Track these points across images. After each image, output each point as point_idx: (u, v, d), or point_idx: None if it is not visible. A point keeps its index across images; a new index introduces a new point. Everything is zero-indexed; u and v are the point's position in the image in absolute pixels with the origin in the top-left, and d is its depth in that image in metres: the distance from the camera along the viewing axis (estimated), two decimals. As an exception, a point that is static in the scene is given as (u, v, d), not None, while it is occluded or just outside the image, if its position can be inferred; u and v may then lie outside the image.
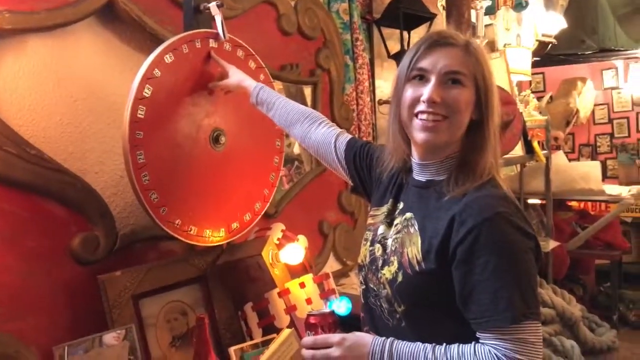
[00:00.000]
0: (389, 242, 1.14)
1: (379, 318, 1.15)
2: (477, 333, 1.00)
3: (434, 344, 1.01)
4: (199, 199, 1.53)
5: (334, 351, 1.04)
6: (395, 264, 1.10)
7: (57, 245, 1.43)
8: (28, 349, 1.32)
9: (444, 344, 1.01)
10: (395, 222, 1.15)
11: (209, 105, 1.56)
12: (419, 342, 1.03)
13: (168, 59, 1.44)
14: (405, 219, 1.13)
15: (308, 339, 1.08)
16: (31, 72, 1.42)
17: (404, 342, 1.04)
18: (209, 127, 1.55)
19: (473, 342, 1.00)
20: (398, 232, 1.13)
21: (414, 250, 1.07)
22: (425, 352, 1.00)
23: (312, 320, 1.10)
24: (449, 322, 1.03)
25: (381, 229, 1.18)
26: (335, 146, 1.37)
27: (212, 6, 1.51)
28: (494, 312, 0.96)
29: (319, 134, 1.41)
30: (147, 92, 1.40)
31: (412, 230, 1.09)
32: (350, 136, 1.40)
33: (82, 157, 1.52)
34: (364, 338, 1.06)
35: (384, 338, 1.05)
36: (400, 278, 1.08)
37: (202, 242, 1.54)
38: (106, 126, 1.58)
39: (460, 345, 1.00)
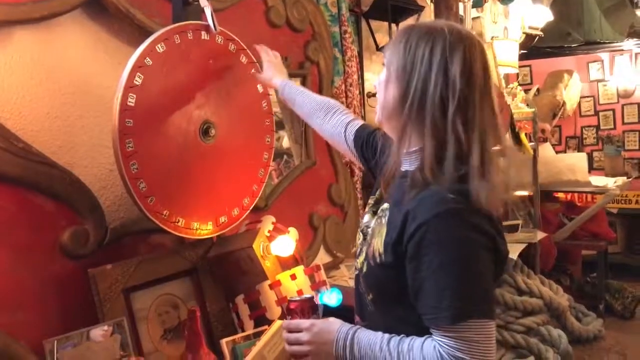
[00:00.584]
0: (369, 231, 1.15)
1: (364, 303, 1.16)
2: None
3: (392, 335, 1.03)
4: (188, 190, 1.52)
5: (303, 335, 1.09)
6: (364, 254, 1.13)
7: (47, 240, 1.43)
8: (18, 343, 1.31)
9: (401, 336, 1.02)
10: (378, 211, 1.15)
11: (200, 97, 1.56)
12: (380, 332, 1.05)
13: (159, 48, 1.43)
14: (382, 209, 1.13)
15: (284, 322, 1.15)
16: (18, 65, 1.41)
17: (367, 331, 1.06)
18: (199, 118, 1.54)
19: (425, 336, 1.00)
20: (375, 222, 1.14)
21: (378, 242, 1.08)
22: (381, 343, 1.02)
23: (291, 305, 1.17)
24: (412, 314, 1.02)
25: (366, 218, 1.20)
26: (345, 135, 1.40)
27: (201, -1, 1.50)
28: (437, 310, 0.96)
29: (331, 124, 1.44)
30: (137, 80, 1.39)
31: (383, 221, 1.09)
32: (360, 123, 1.39)
33: (70, 151, 1.51)
34: (332, 325, 1.09)
35: (350, 326, 1.08)
36: (365, 269, 1.12)
37: (189, 235, 1.53)
38: (95, 119, 1.57)
39: (414, 338, 1.01)
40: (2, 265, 1.34)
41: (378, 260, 1.06)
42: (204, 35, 1.56)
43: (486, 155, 1.02)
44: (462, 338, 0.94)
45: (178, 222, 1.48)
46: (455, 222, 0.97)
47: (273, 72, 1.63)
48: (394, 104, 1.07)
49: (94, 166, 1.57)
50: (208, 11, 1.52)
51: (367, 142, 1.34)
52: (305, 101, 1.52)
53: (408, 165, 1.09)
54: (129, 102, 1.37)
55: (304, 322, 1.11)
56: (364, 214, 1.23)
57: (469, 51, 1.03)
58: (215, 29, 1.54)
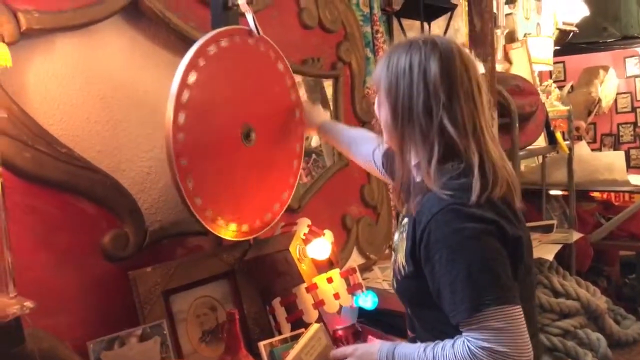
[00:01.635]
0: (396, 247, 1.20)
1: (409, 316, 1.23)
2: None
3: (428, 343, 1.06)
4: (233, 192, 1.54)
5: None
6: (393, 271, 1.19)
7: (89, 243, 1.45)
8: (63, 344, 1.34)
9: (436, 342, 1.05)
10: (400, 227, 1.20)
11: (242, 101, 1.58)
12: (418, 343, 1.09)
13: (201, 62, 1.43)
14: (402, 224, 1.17)
15: (332, 352, 1.26)
16: (59, 71, 1.44)
17: (406, 345, 1.11)
18: (242, 122, 1.56)
19: (457, 336, 1.02)
20: (399, 238, 1.18)
21: (401, 256, 1.12)
22: (418, 352, 1.06)
23: (336, 334, 1.32)
24: (446, 318, 1.03)
25: (396, 236, 1.23)
26: (374, 162, 1.50)
27: (242, 3, 1.50)
28: (454, 306, 0.98)
29: (362, 156, 1.57)
30: (191, 78, 1.40)
31: (404, 235, 1.13)
32: (385, 147, 1.42)
33: (110, 155, 1.53)
34: (373, 346, 1.15)
35: (390, 343, 1.13)
36: (395, 284, 1.18)
37: (230, 236, 1.54)
38: (133, 123, 1.59)
39: (447, 340, 1.03)
40: (47, 268, 1.37)
41: (403, 272, 1.11)
42: (247, 41, 1.57)
43: (484, 151, 1.07)
44: (485, 328, 0.95)
45: (222, 223, 1.49)
46: (452, 216, 1.00)
47: (310, 119, 1.74)
48: (388, 123, 1.13)
49: (132, 170, 1.59)
50: (250, 16, 1.52)
51: (392, 163, 1.36)
52: (340, 139, 1.66)
53: (419, 177, 1.14)
54: (183, 99, 1.39)
55: (348, 348, 1.19)
56: (394, 233, 1.27)
57: (445, 55, 1.08)
58: (259, 33, 1.55)
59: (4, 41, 1.25)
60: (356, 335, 1.28)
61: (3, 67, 1.19)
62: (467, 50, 1.16)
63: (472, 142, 1.07)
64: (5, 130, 1.28)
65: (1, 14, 1.27)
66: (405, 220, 1.15)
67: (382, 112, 1.16)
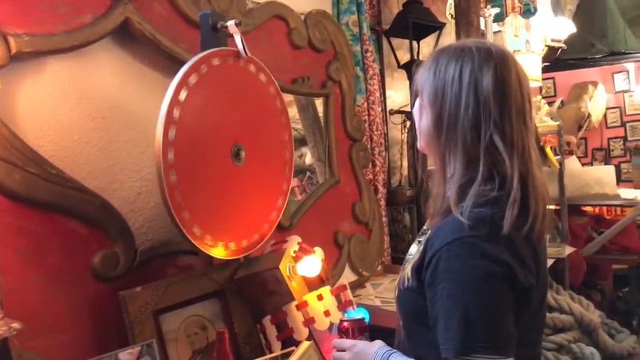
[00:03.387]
0: (409, 258, 1.15)
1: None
2: None
3: None
4: (222, 211, 1.55)
5: (345, 355, 1.15)
6: (398, 279, 1.14)
7: (78, 263, 1.45)
8: (52, 366, 1.33)
9: None
10: (422, 240, 1.13)
11: (231, 120, 1.59)
12: (413, 359, 1.05)
13: (193, 78, 1.45)
14: (424, 237, 1.12)
15: (334, 340, 1.22)
16: (50, 93, 1.45)
17: (402, 356, 1.07)
18: (231, 141, 1.57)
19: None
20: (417, 250, 1.13)
21: (409, 267, 1.07)
22: None
23: (342, 325, 1.26)
24: (437, 342, 0.98)
25: (413, 247, 1.19)
26: None
27: (230, 25, 1.53)
28: (445, 341, 0.93)
29: None
30: (182, 95, 1.42)
31: (420, 247, 1.08)
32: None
33: (100, 175, 1.54)
34: (372, 347, 1.12)
35: (388, 349, 1.09)
36: (397, 292, 1.13)
37: (218, 255, 1.54)
38: (123, 143, 1.61)
39: None
40: (36, 288, 1.36)
41: (406, 284, 1.06)
42: (234, 61, 1.59)
43: (529, 177, 0.99)
44: None
45: (209, 240, 1.49)
46: (466, 250, 0.94)
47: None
48: (430, 130, 1.06)
49: (123, 189, 1.60)
50: (238, 38, 1.54)
51: None
52: None
53: (449, 191, 1.06)
54: (174, 115, 1.40)
55: (347, 342, 1.17)
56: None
57: (501, 68, 1.00)
58: (246, 54, 1.57)
59: (-6, 65, 1.27)
60: (362, 331, 1.24)
61: (-7, 90, 1.20)
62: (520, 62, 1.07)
63: (519, 164, 0.98)
64: (-5, 152, 1.29)
65: (-9, 38, 1.29)
66: (427, 234, 1.09)
67: (422, 117, 1.08)
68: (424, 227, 1.20)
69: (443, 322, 0.94)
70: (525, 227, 0.97)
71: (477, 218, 0.95)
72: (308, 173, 2.38)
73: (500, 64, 1.01)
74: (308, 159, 2.37)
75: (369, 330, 1.38)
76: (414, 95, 1.11)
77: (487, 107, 0.98)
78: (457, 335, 0.91)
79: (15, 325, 1.05)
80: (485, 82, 0.99)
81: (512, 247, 0.95)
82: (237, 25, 1.53)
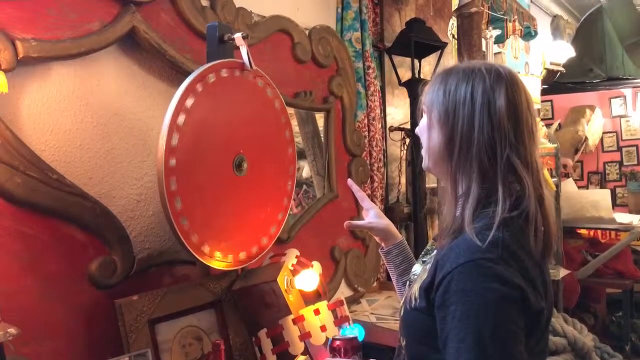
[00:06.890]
0: (414, 278, 1.14)
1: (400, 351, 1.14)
2: None
3: None
4: (224, 222, 1.55)
5: None
6: (404, 298, 1.11)
7: (76, 269, 1.45)
8: (45, 373, 1.32)
9: None
10: (427, 259, 1.14)
11: (234, 131, 1.60)
12: None
13: (199, 87, 1.47)
14: (430, 257, 1.12)
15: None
16: (55, 99, 1.46)
17: None
18: (234, 151, 1.58)
19: None
20: (422, 269, 1.12)
21: (416, 287, 1.05)
22: None
23: (334, 344, 1.25)
24: None
25: (417, 266, 1.18)
26: None
27: (237, 37, 1.54)
28: None
29: None
30: (189, 102, 1.43)
31: (427, 268, 1.07)
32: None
33: (101, 182, 1.54)
34: None
35: None
36: (402, 312, 1.09)
37: (215, 265, 1.54)
38: (125, 151, 1.61)
39: None
40: (31, 293, 1.36)
41: (413, 304, 1.04)
42: (239, 73, 1.60)
43: (544, 200, 0.99)
44: None
45: (207, 250, 1.49)
46: (479, 273, 0.92)
47: (387, 232, 1.37)
48: (441, 150, 1.04)
49: (123, 197, 1.60)
50: (244, 50, 1.56)
51: None
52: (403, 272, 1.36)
53: (459, 211, 1.04)
54: (179, 121, 1.41)
55: None
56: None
57: (512, 89, 1.01)
58: (251, 67, 1.58)
59: (0, 68, 1.27)
60: (354, 350, 1.23)
61: (-1, 93, 1.20)
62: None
63: (532, 189, 0.97)
64: (-3, 156, 1.29)
65: (-1, 41, 1.29)
66: (434, 253, 1.08)
67: (431, 137, 1.06)
68: (427, 247, 1.19)
69: (454, 345, 0.92)
70: (539, 248, 0.97)
71: (490, 240, 0.94)
72: (304, 186, 2.38)
73: (511, 85, 1.01)
74: (305, 172, 2.38)
75: (363, 348, 1.37)
76: (419, 114, 1.10)
77: (502, 128, 0.98)
78: (469, 358, 0.89)
79: (12, 330, 1.04)
80: (499, 103, 0.99)
81: (524, 269, 0.94)
82: (244, 38, 1.54)
